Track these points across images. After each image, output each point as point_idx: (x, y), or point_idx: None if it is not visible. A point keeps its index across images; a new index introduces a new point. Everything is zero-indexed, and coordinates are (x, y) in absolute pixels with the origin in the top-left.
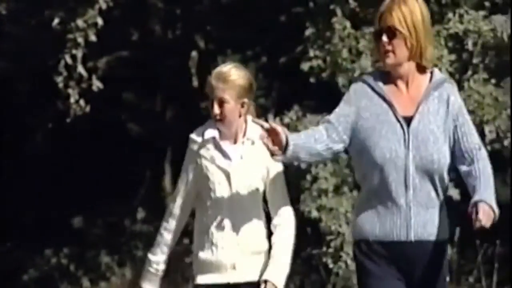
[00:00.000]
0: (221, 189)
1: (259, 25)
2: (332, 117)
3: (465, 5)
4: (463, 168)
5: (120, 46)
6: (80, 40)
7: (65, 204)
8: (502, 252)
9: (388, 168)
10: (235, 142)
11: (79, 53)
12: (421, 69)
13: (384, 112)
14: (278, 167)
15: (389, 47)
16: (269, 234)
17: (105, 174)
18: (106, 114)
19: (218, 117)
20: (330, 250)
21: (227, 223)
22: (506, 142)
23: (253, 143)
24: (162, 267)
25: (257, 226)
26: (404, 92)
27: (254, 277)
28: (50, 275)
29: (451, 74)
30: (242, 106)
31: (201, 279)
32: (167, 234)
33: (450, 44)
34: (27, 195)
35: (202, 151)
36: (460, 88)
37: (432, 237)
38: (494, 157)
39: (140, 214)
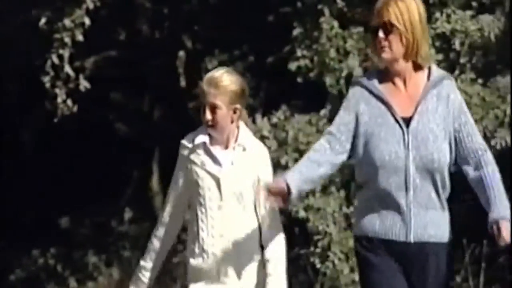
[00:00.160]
0: (211, 195)
1: (246, 25)
2: (333, 128)
3: (452, 5)
4: (470, 171)
5: (107, 46)
6: (67, 40)
7: (52, 204)
8: (489, 252)
9: (389, 170)
10: (226, 147)
11: (66, 53)
12: (418, 67)
13: (382, 114)
14: (268, 175)
15: (386, 43)
16: (261, 242)
17: (92, 174)
18: (94, 114)
19: (210, 123)
20: (318, 250)
21: (217, 229)
22: (493, 142)
23: (244, 149)
24: (150, 274)
25: (249, 233)
26: (402, 90)
27: (246, 285)
28: (37, 276)
29: None
30: (235, 112)
31: (192, 286)
32: (157, 241)
33: (437, 43)
34: (14, 196)
35: (192, 157)
36: None
37: (433, 239)
38: None
39: (128, 214)
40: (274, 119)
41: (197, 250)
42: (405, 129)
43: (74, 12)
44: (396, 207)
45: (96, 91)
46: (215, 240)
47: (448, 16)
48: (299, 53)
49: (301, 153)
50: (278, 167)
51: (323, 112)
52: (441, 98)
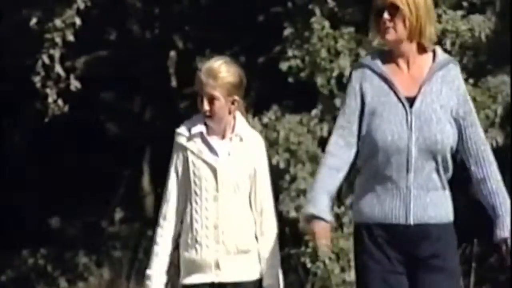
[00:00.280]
0: (207, 186)
1: (237, 25)
2: (343, 120)
3: (443, 4)
4: (471, 165)
5: (98, 46)
6: (58, 40)
7: (43, 204)
8: (479, 251)
9: (390, 150)
10: (223, 138)
11: (56, 53)
12: (422, 49)
13: (385, 93)
14: (265, 167)
15: (390, 24)
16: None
17: (83, 174)
18: (84, 114)
19: (207, 114)
20: (308, 250)
21: (212, 221)
22: None
23: (241, 139)
24: (163, 279)
25: (244, 224)
26: (405, 72)
27: (240, 277)
28: (27, 276)
29: None
30: (233, 103)
31: (186, 279)
32: (164, 241)
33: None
34: (3, 196)
35: (189, 145)
36: None
37: (433, 220)
38: None
39: (118, 214)
40: (265, 119)
41: (190, 242)
42: (408, 109)
43: (65, 12)
44: (396, 189)
45: (87, 91)
46: (209, 232)
47: (439, 16)
48: (290, 53)
49: (292, 153)
50: (269, 167)
51: (314, 112)
52: (446, 82)
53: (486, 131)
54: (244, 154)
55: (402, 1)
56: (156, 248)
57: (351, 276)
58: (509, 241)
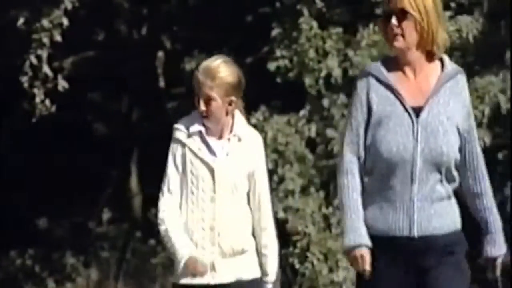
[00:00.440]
0: (204, 186)
1: (225, 25)
2: (352, 135)
3: None
4: (469, 179)
5: (86, 47)
6: (46, 40)
7: (30, 204)
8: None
9: (395, 161)
10: (220, 138)
11: (44, 53)
12: (430, 56)
13: (391, 103)
14: (263, 167)
15: (398, 30)
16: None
17: (70, 175)
18: (72, 114)
19: (204, 114)
20: (297, 250)
21: (208, 222)
22: None
23: (239, 139)
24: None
25: (240, 225)
26: (411, 80)
27: (236, 278)
28: (15, 276)
29: None
30: (230, 104)
31: (181, 279)
32: (178, 227)
33: None
34: None
35: (188, 142)
36: None
37: (438, 231)
38: None
39: (106, 215)
40: (253, 120)
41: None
42: (414, 119)
43: (52, 13)
44: (399, 201)
45: (74, 92)
46: (205, 233)
47: None
48: (278, 53)
49: (280, 154)
50: None
51: (302, 112)
52: (454, 93)
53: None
54: (242, 154)
55: (412, 6)
56: (169, 228)
57: (339, 276)
58: (499, 259)
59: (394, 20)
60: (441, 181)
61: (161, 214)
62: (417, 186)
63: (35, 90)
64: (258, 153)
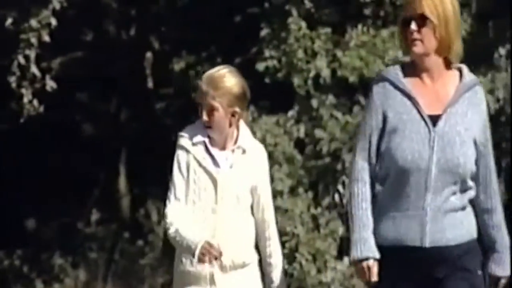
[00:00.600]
0: (206, 197)
1: (214, 25)
2: (365, 142)
3: None
4: (480, 193)
5: (74, 47)
6: (34, 40)
7: (18, 205)
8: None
9: (410, 169)
10: (223, 149)
11: (32, 54)
12: (447, 64)
13: (407, 111)
14: (267, 179)
15: (418, 36)
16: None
17: (58, 175)
18: (60, 114)
19: (206, 124)
20: (285, 251)
21: (209, 233)
22: None
23: (244, 151)
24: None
25: (242, 238)
26: (429, 87)
27: None
28: (3, 277)
29: None
30: (233, 115)
31: None
32: (189, 226)
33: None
34: None
35: (193, 151)
36: None
37: (452, 242)
38: None
39: (95, 215)
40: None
41: (185, 254)
42: (431, 128)
43: (41, 13)
44: (412, 210)
45: (62, 92)
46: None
47: None
48: (266, 53)
49: (269, 155)
50: None
51: (291, 113)
52: (472, 105)
53: None
54: (246, 167)
55: (433, 12)
56: (178, 228)
57: (327, 277)
58: (503, 280)
59: (413, 26)
60: (455, 192)
61: (168, 219)
62: (431, 195)
63: (23, 90)
64: (262, 166)
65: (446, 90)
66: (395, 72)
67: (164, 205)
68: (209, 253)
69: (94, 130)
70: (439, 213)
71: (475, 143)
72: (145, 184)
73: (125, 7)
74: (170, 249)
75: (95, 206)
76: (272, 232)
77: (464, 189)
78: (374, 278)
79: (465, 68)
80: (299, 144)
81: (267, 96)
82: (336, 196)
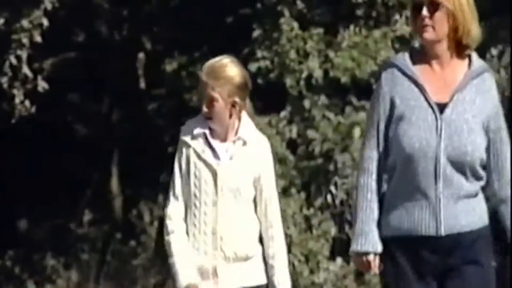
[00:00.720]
0: (206, 189)
1: (206, 26)
2: (373, 130)
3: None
4: (494, 182)
5: (66, 47)
6: (25, 40)
7: (10, 206)
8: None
9: (418, 158)
10: (225, 140)
11: (24, 54)
12: (460, 51)
13: (415, 97)
14: (270, 172)
15: (429, 22)
16: (259, 239)
17: (50, 176)
18: (52, 115)
19: (207, 115)
20: None
21: (211, 226)
22: None
23: (244, 143)
24: (192, 271)
25: (244, 231)
26: (438, 74)
27: (239, 285)
28: None
29: None
30: (234, 106)
31: (183, 286)
32: (180, 236)
33: (397, 46)
34: None
35: (193, 144)
36: None
37: (466, 229)
38: None
39: (87, 216)
40: None
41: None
42: (438, 115)
43: (32, 13)
44: (424, 199)
45: (54, 92)
46: (207, 238)
47: (408, 18)
48: (259, 54)
49: None
50: None
51: (283, 113)
52: (481, 91)
53: None
54: (247, 158)
55: None
56: (175, 247)
57: (320, 278)
58: None
59: (425, 11)
60: (467, 179)
61: (168, 223)
62: (442, 183)
63: (15, 91)
64: (264, 157)
65: (454, 77)
66: (404, 59)
67: (164, 205)
68: None
69: (86, 130)
70: (452, 200)
71: (484, 130)
72: (138, 185)
73: (117, 8)
74: (163, 250)
75: (87, 206)
76: (276, 232)
77: (475, 177)
78: (375, 271)
79: (474, 55)
80: (292, 145)
81: (259, 97)
82: (329, 197)
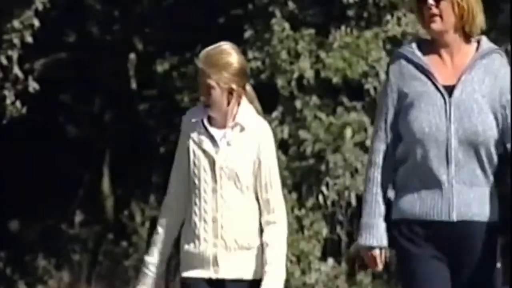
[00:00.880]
0: (205, 176)
1: (197, 27)
2: (381, 122)
3: (403, 7)
4: (504, 163)
5: (57, 48)
6: (16, 41)
7: (1, 206)
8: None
9: (428, 143)
10: (224, 127)
11: (15, 54)
12: (467, 38)
13: (423, 84)
14: (270, 158)
15: (436, 11)
16: (261, 229)
17: (42, 177)
18: (43, 116)
19: (205, 103)
20: None
21: (211, 214)
22: None
23: (242, 129)
24: (159, 269)
25: (245, 219)
26: (447, 63)
27: (241, 275)
28: None
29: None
30: (231, 93)
31: (184, 272)
32: (163, 230)
33: (388, 46)
34: None
35: (192, 134)
36: None
37: (478, 218)
38: None
39: (78, 217)
40: None
41: (189, 235)
42: (447, 98)
43: (23, 14)
44: (437, 184)
45: (45, 93)
46: (207, 225)
47: (399, 19)
48: (250, 55)
49: None
50: None
51: (274, 114)
52: (490, 71)
53: None
54: (245, 144)
55: None
56: (155, 237)
57: (311, 278)
58: None
59: (431, 0)
60: (481, 164)
61: (158, 220)
62: (454, 167)
63: (6, 92)
64: (263, 143)
65: (463, 62)
66: (410, 46)
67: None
68: None
69: (78, 131)
70: (465, 186)
71: (495, 108)
72: (129, 185)
73: (108, 8)
74: None
75: (79, 207)
76: (276, 218)
77: (489, 162)
78: (379, 267)
79: (484, 39)
80: (283, 145)
81: None
82: (320, 197)
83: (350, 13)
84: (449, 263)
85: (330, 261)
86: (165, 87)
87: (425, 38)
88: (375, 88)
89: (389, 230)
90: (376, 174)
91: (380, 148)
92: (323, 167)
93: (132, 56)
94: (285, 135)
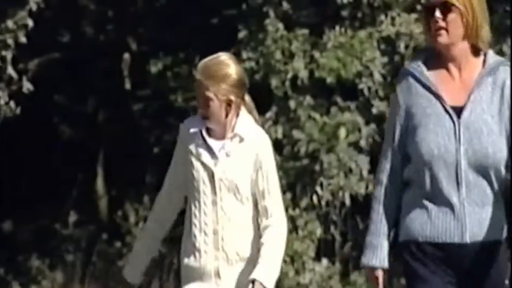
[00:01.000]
0: (205, 189)
1: (191, 27)
2: (390, 141)
3: (397, 7)
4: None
5: (51, 48)
6: (10, 41)
7: None
8: None
9: (438, 165)
10: (223, 138)
11: (8, 55)
12: (475, 51)
13: (431, 104)
14: (269, 168)
15: (443, 24)
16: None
17: (36, 177)
18: (37, 116)
19: (203, 115)
20: None
21: (211, 226)
22: None
23: (241, 140)
24: (144, 258)
25: (246, 231)
26: (456, 78)
27: (242, 287)
28: None
29: (384, 77)
30: (229, 104)
31: (186, 286)
32: (152, 224)
33: (382, 46)
34: None
35: (190, 144)
36: (392, 90)
37: (489, 237)
38: None
39: (72, 217)
40: None
41: (189, 248)
42: (456, 120)
43: (17, 13)
44: (448, 205)
45: (39, 93)
46: (208, 238)
47: (393, 19)
48: (244, 55)
49: None
50: None
51: (268, 114)
52: (497, 86)
53: None
54: (244, 155)
55: None
56: (145, 230)
57: (305, 279)
58: None
59: (438, 13)
60: (491, 185)
61: (149, 216)
62: (465, 189)
63: None
64: (262, 152)
65: (471, 78)
66: (418, 65)
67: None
68: None
69: (72, 131)
70: (477, 206)
71: (506, 126)
72: (123, 186)
73: (102, 9)
74: None
75: (73, 207)
76: (275, 222)
77: (499, 182)
78: (380, 287)
79: (490, 53)
80: (277, 145)
81: None
82: (314, 198)
83: (344, 13)
84: (459, 283)
85: (324, 261)
86: (159, 87)
87: (432, 50)
88: (369, 88)
89: (397, 251)
90: (382, 194)
91: (387, 167)
92: (317, 167)
93: (126, 56)
94: (279, 135)
